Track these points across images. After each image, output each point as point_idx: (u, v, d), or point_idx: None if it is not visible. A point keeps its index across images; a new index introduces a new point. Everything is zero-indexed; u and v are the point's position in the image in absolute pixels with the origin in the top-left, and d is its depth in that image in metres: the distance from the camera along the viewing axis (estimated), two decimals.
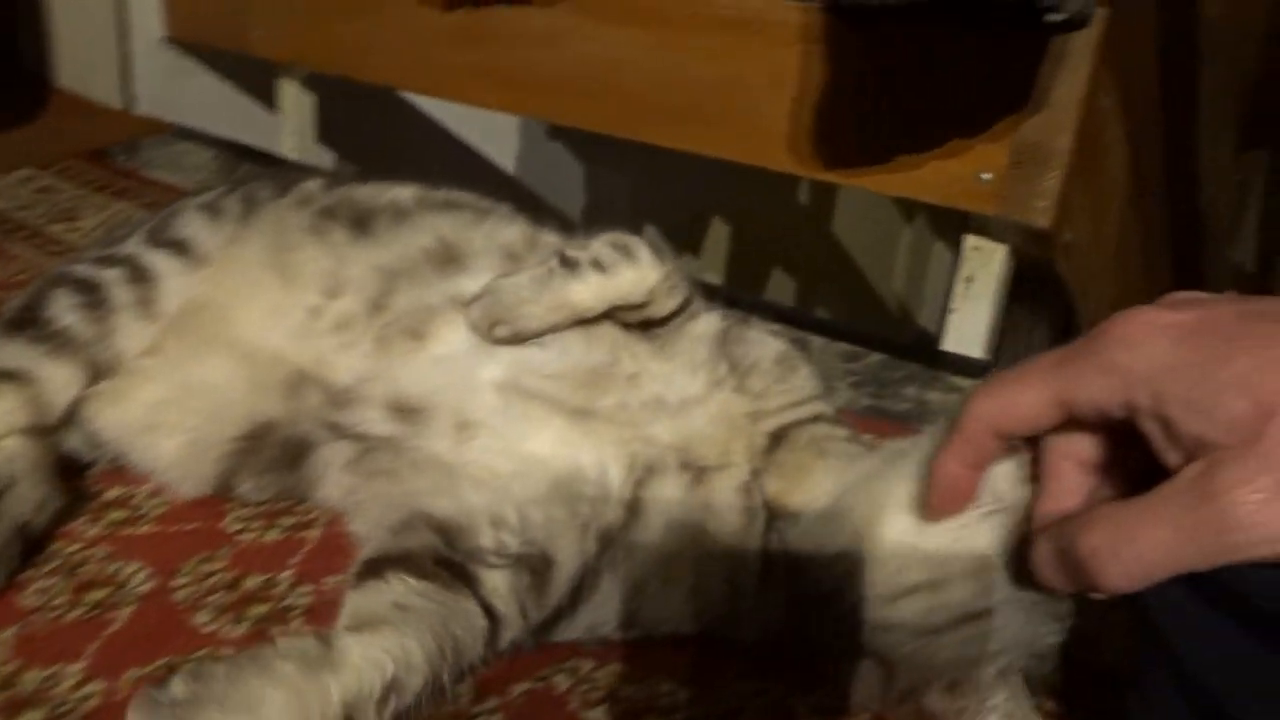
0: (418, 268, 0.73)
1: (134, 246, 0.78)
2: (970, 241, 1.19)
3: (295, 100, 1.59)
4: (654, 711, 0.61)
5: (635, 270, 0.66)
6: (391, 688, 0.54)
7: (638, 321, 0.68)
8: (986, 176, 1.04)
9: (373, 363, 0.70)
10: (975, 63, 1.01)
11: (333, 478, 0.70)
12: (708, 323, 0.71)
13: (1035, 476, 0.49)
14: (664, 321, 0.69)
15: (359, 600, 0.59)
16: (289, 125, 1.60)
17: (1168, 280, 1.75)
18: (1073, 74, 0.97)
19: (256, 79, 1.72)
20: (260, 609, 0.66)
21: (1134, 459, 0.46)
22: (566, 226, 0.80)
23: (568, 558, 0.62)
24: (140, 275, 0.76)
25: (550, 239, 0.78)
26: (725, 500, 0.64)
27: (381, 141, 1.98)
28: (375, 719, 0.53)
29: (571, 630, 0.63)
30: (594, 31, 1.19)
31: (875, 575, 0.56)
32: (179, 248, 0.78)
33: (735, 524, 0.64)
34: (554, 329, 0.66)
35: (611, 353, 0.68)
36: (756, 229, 2.73)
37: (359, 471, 0.68)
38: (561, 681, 0.62)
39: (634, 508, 0.64)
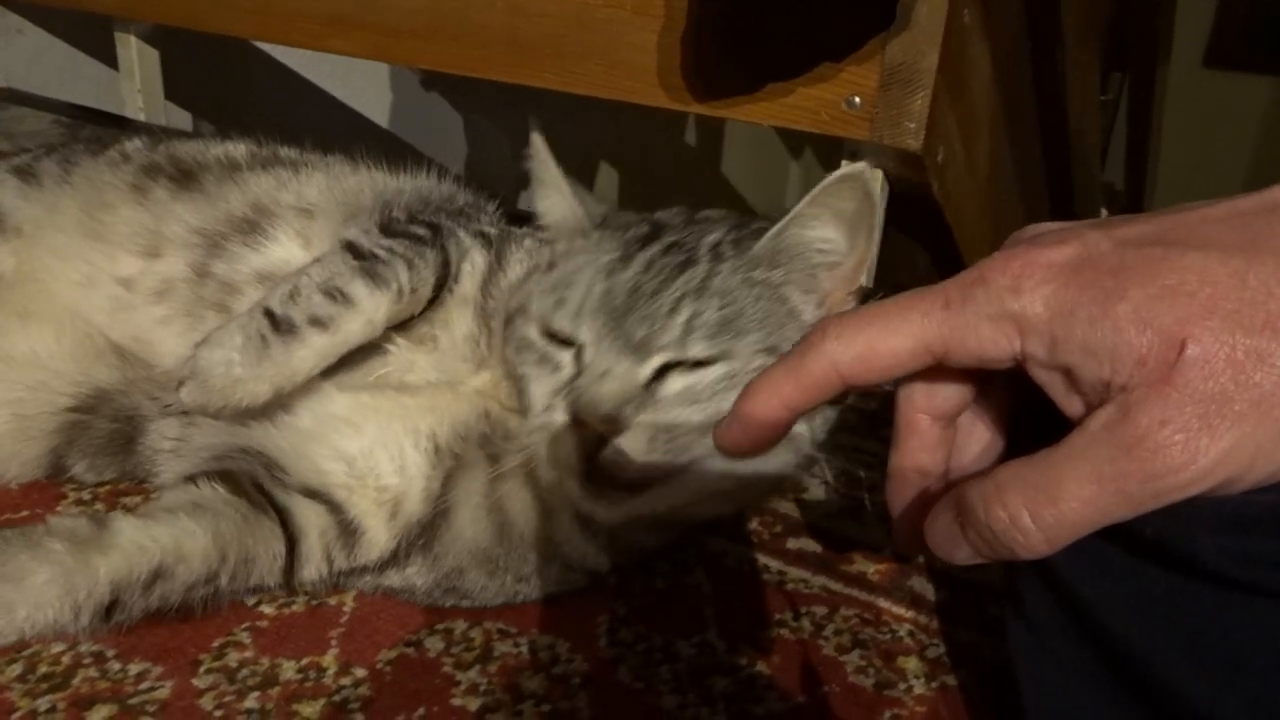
0: (229, 236, 0.68)
1: None
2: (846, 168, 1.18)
3: (137, 56, 1.48)
4: (533, 666, 0.58)
5: (358, 316, 0.58)
6: (158, 574, 0.55)
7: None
8: (856, 101, 1.03)
9: (189, 342, 0.65)
10: None
11: (164, 463, 0.66)
12: (470, 275, 0.65)
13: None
14: (423, 312, 0.63)
15: (163, 497, 0.60)
16: (132, 83, 1.49)
17: (1044, 201, 1.79)
18: None
19: (93, 35, 1.60)
20: None
21: (996, 403, 0.45)
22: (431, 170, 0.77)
23: (376, 533, 0.61)
24: None
25: (350, 182, 0.73)
26: (519, 496, 0.61)
27: (241, 98, 1.87)
28: (141, 600, 0.55)
29: (378, 584, 0.63)
30: None
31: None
32: None
33: (536, 516, 0.62)
34: (289, 393, 0.59)
35: (378, 351, 0.63)
36: (646, 173, 2.69)
37: (184, 448, 0.65)
38: (434, 644, 0.59)
39: (441, 506, 0.61)
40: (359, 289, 0.59)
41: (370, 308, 0.59)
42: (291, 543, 0.60)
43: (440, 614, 0.62)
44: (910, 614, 0.65)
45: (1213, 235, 0.35)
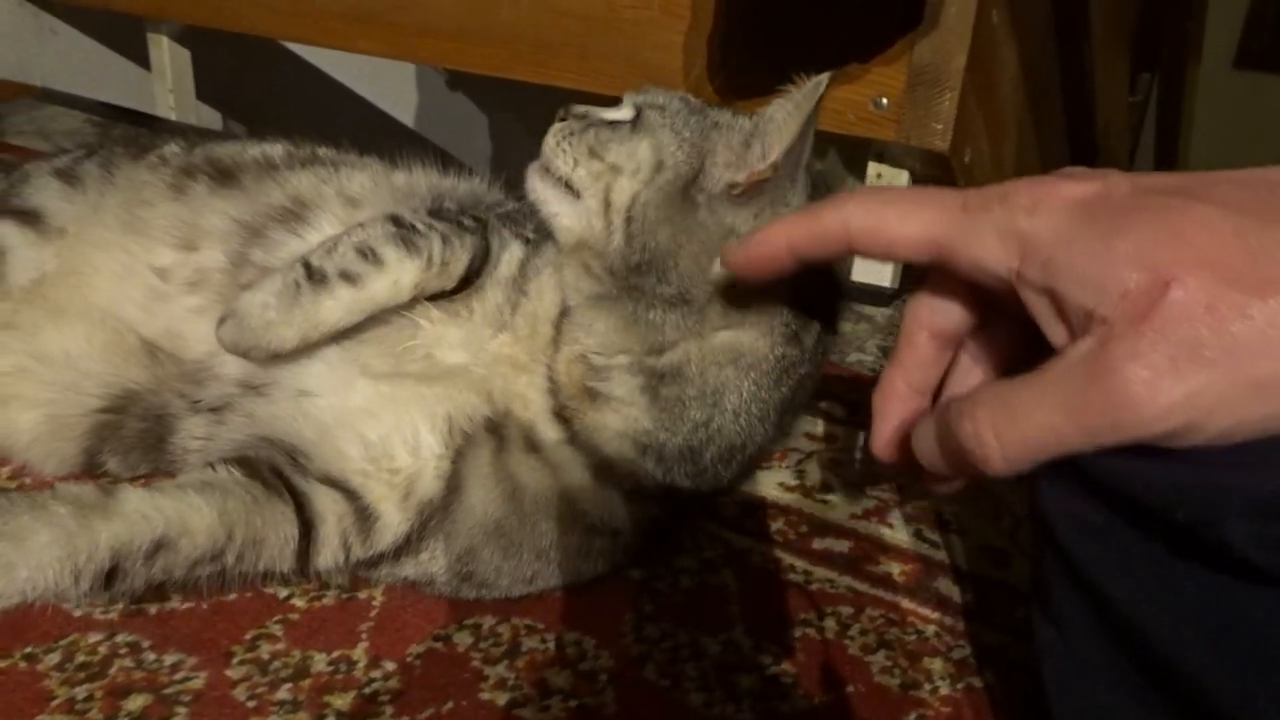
0: (269, 225, 0.69)
1: None
2: (873, 169, 1.18)
3: (168, 56, 1.50)
4: (560, 662, 0.59)
5: (385, 276, 0.61)
6: (160, 544, 0.56)
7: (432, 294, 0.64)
8: (883, 101, 1.02)
9: None
10: None
11: (194, 460, 0.67)
12: (508, 264, 0.66)
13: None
14: (460, 288, 0.64)
15: (178, 477, 0.62)
16: (164, 83, 1.51)
17: None
18: None
19: (126, 35, 1.62)
20: None
21: (998, 336, 0.47)
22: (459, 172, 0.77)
23: (390, 517, 0.62)
24: None
25: (399, 179, 0.75)
26: (525, 462, 0.62)
27: (270, 98, 1.89)
28: (142, 569, 0.56)
29: (395, 575, 0.63)
30: None
31: None
32: (29, 218, 0.72)
33: (545, 477, 0.62)
34: (315, 343, 0.62)
35: (410, 324, 0.64)
36: None
37: (212, 445, 0.66)
38: (463, 639, 0.60)
39: (454, 484, 0.62)
40: (390, 251, 0.61)
41: (398, 270, 0.61)
42: (307, 527, 0.60)
43: (468, 609, 0.62)
44: (936, 615, 0.65)
45: (1230, 195, 0.37)
